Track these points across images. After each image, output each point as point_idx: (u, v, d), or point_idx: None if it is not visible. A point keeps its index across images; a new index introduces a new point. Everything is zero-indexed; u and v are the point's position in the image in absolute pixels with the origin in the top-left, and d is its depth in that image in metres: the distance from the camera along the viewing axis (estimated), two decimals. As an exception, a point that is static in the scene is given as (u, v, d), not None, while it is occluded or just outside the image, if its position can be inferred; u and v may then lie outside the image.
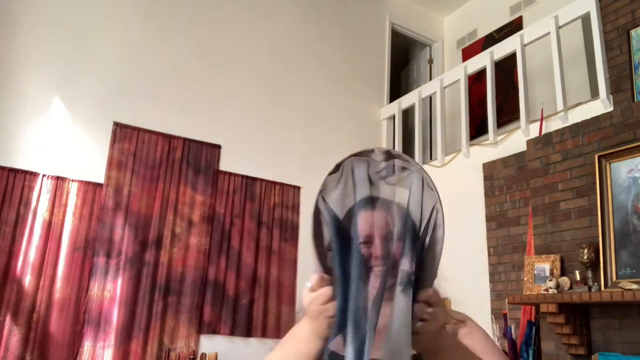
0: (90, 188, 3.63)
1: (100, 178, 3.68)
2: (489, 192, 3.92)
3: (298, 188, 4.48)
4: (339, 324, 0.81)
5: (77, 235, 3.51)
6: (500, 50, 4.19)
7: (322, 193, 0.87)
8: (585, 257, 2.92)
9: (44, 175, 3.49)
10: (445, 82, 4.68)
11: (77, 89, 3.77)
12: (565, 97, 3.57)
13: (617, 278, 2.84)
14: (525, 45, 3.98)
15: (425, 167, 4.67)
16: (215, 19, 4.51)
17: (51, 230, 3.43)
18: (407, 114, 5.45)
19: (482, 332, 0.98)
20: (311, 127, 4.78)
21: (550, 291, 3.00)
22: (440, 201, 0.83)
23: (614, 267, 2.87)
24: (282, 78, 4.75)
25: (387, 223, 0.88)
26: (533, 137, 3.63)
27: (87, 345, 3.37)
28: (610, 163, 3.04)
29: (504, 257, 3.70)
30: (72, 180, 3.58)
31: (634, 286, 2.66)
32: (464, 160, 4.27)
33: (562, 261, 3.17)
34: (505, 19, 5.25)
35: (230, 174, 4.20)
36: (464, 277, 3.57)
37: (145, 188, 3.80)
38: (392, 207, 0.88)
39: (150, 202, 3.80)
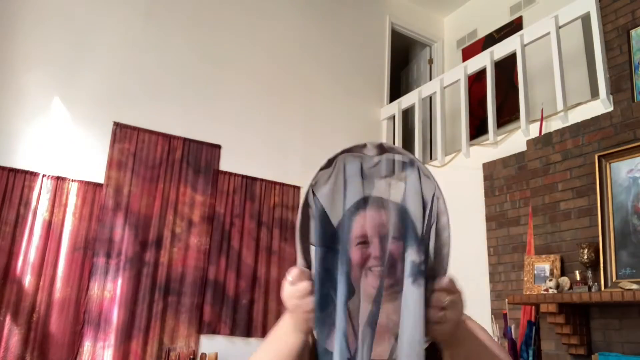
0: (90, 188, 3.63)
1: (100, 178, 3.68)
2: (489, 192, 3.92)
3: (298, 188, 4.48)
4: (319, 320, 0.81)
5: (77, 235, 3.51)
6: (500, 50, 4.19)
7: (313, 187, 0.87)
8: (585, 257, 2.92)
9: (44, 175, 3.49)
10: (445, 82, 4.68)
11: (77, 89, 3.77)
12: (565, 97, 3.57)
13: (617, 278, 2.84)
14: (525, 45, 3.98)
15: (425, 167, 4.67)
16: (216, 19, 4.51)
17: (51, 230, 3.43)
18: (407, 114, 5.45)
19: (484, 330, 0.98)
20: (311, 127, 4.78)
21: (550, 291, 3.00)
22: (439, 188, 0.82)
23: (614, 267, 2.87)
24: (282, 78, 4.75)
25: (383, 222, 0.88)
26: (533, 137, 3.63)
27: (87, 345, 3.37)
28: (610, 163, 3.04)
29: (504, 257, 3.70)
30: (72, 180, 3.58)
31: (634, 286, 2.66)
32: (464, 160, 4.27)
33: (562, 261, 3.17)
34: (505, 19, 5.25)
35: (230, 174, 4.20)
36: (464, 277, 3.55)
37: (145, 188, 3.80)
38: (388, 205, 0.88)
39: (150, 202, 3.80)
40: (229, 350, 3.81)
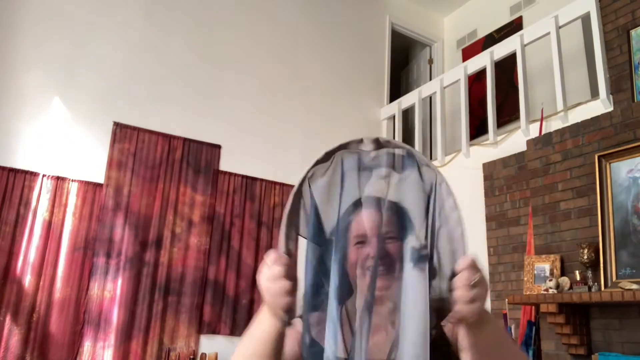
0: (90, 188, 3.63)
1: (100, 178, 3.68)
2: (489, 192, 3.92)
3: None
4: (304, 310, 0.81)
5: (77, 235, 3.51)
6: (500, 50, 4.19)
7: (309, 179, 0.87)
8: (585, 257, 2.92)
9: (44, 175, 3.49)
10: (445, 82, 4.68)
11: (77, 89, 3.77)
12: (565, 97, 3.57)
13: (617, 278, 2.84)
14: (525, 45, 3.98)
15: (425, 167, 4.67)
16: (216, 19, 4.51)
17: (51, 230, 3.43)
18: (407, 114, 5.45)
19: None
20: (311, 126, 4.78)
21: (550, 291, 3.00)
22: (440, 174, 0.82)
23: (614, 267, 2.87)
24: (282, 78, 4.75)
25: (380, 222, 0.88)
26: (533, 137, 3.63)
27: (87, 345, 3.37)
28: (610, 163, 3.04)
29: (504, 257, 3.70)
30: (72, 180, 3.58)
31: (634, 286, 2.66)
32: (464, 160, 4.27)
33: (562, 261, 3.17)
34: (505, 19, 5.25)
35: (230, 174, 4.20)
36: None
37: (145, 188, 3.80)
38: (385, 204, 0.88)
39: (150, 202, 3.80)
40: (229, 350, 3.81)
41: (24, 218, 3.37)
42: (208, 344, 3.78)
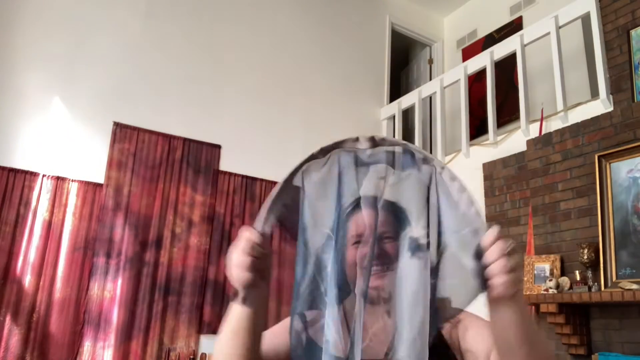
0: (90, 188, 3.63)
1: (100, 178, 3.68)
2: (489, 192, 3.92)
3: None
4: (299, 308, 0.82)
5: (77, 235, 3.51)
6: (500, 50, 4.19)
7: (303, 173, 0.87)
8: (585, 257, 2.92)
9: (44, 175, 3.49)
10: (445, 82, 4.68)
11: (77, 88, 3.77)
12: (565, 97, 3.57)
13: (617, 278, 2.84)
14: (525, 45, 3.98)
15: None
16: (216, 19, 4.51)
17: (51, 230, 3.43)
18: (407, 114, 5.45)
19: (482, 322, 0.92)
20: (311, 127, 4.78)
21: (550, 291, 3.00)
22: (440, 163, 0.81)
23: (614, 267, 2.87)
24: (282, 78, 4.75)
25: (377, 222, 0.88)
26: (533, 137, 3.63)
27: (87, 345, 3.37)
28: (610, 163, 3.04)
29: (504, 257, 3.69)
30: (72, 180, 3.58)
31: (634, 286, 2.66)
32: (464, 160, 4.27)
33: (562, 261, 3.17)
34: (505, 19, 5.25)
35: (230, 174, 4.20)
36: (464, 277, 3.56)
37: (145, 188, 3.80)
38: (382, 204, 0.88)
39: (150, 202, 3.80)
40: (229, 350, 3.81)
41: (24, 218, 3.37)
42: (208, 344, 3.78)
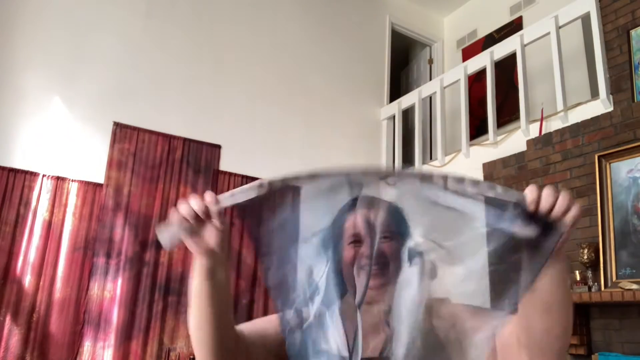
0: (90, 188, 3.63)
1: (100, 178, 3.68)
2: (489, 192, 3.91)
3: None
4: (285, 299, 0.85)
5: (77, 235, 3.51)
6: (500, 50, 4.19)
7: (296, 182, 0.87)
8: (585, 257, 2.92)
9: (44, 175, 3.49)
10: (445, 82, 4.68)
11: (77, 88, 3.77)
12: (565, 97, 3.57)
13: (617, 278, 2.84)
14: (525, 45, 3.98)
15: (425, 167, 4.67)
16: (216, 20, 4.51)
17: (51, 230, 3.43)
18: (407, 114, 5.45)
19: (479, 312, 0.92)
20: (311, 126, 4.78)
21: (550, 291, 3.00)
22: (439, 179, 0.77)
23: (614, 267, 2.87)
24: (282, 78, 4.75)
25: (375, 221, 0.88)
26: (533, 137, 3.63)
27: (87, 345, 3.37)
28: (610, 163, 3.04)
29: (504, 257, 3.69)
30: (72, 180, 3.58)
31: (634, 286, 2.66)
32: (464, 160, 4.27)
33: (562, 261, 3.16)
34: (505, 19, 5.25)
35: (230, 174, 4.20)
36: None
37: (145, 188, 3.80)
38: (380, 204, 0.88)
39: (150, 202, 3.80)
40: (229, 350, 3.80)
41: (24, 218, 3.37)
42: (208, 344, 3.77)
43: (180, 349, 3.65)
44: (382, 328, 0.87)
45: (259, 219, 0.85)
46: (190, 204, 0.82)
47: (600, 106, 3.31)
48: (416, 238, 0.83)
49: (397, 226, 0.89)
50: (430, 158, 5.02)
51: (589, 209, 3.09)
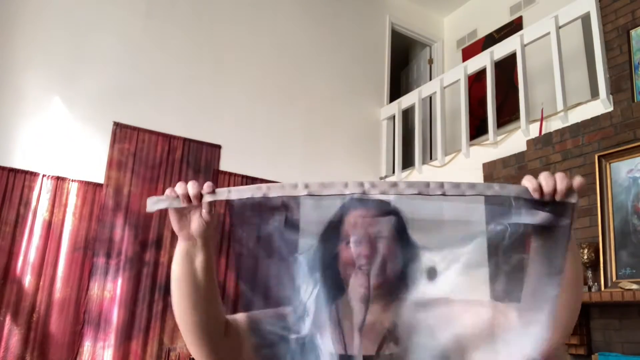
0: (90, 188, 3.63)
1: (100, 178, 3.68)
2: (489, 192, 3.91)
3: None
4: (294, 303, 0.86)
5: (77, 235, 3.51)
6: (500, 50, 4.19)
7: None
8: (585, 257, 2.92)
9: (44, 175, 3.49)
10: (445, 82, 4.68)
11: (77, 88, 3.77)
12: (565, 97, 3.57)
13: (617, 278, 2.84)
14: (525, 45, 3.98)
15: (425, 167, 4.67)
16: (216, 20, 4.51)
17: (51, 230, 3.43)
18: (407, 114, 5.45)
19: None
20: (311, 126, 4.78)
21: (550, 291, 3.00)
22: (436, 185, 0.79)
23: (614, 267, 2.87)
24: (283, 78, 4.75)
25: (373, 221, 0.89)
26: (533, 137, 3.63)
27: (87, 345, 3.37)
28: (610, 163, 3.04)
29: (504, 257, 3.69)
30: (72, 180, 3.58)
31: (634, 286, 2.66)
32: (464, 160, 4.26)
33: (562, 261, 3.16)
34: (505, 19, 5.25)
35: (230, 174, 4.20)
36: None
37: (145, 188, 3.80)
38: (378, 204, 0.89)
39: (150, 202, 3.80)
40: (229, 350, 3.81)
41: (24, 218, 3.37)
42: (208, 344, 3.78)
43: (180, 349, 3.65)
44: (378, 326, 0.88)
45: (247, 221, 0.86)
46: (187, 185, 0.85)
47: (600, 106, 3.31)
48: (425, 253, 0.85)
49: (394, 226, 0.89)
50: (430, 158, 5.02)
51: (589, 209, 3.08)
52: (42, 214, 3.43)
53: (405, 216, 0.89)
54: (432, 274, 0.84)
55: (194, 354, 0.92)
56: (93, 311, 3.43)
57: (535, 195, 0.75)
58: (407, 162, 5.11)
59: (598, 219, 2.98)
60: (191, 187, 0.84)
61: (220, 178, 4.15)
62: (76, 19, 3.88)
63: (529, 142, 3.61)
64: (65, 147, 3.64)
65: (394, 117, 5.18)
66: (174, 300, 0.93)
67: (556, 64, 3.64)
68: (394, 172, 4.97)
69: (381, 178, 5.05)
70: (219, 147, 4.22)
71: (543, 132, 3.59)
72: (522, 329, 0.79)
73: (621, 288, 2.70)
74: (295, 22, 4.98)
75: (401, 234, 0.89)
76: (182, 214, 0.87)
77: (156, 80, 4.10)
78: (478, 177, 4.01)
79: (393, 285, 0.88)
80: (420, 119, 4.89)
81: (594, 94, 3.62)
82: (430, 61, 6.02)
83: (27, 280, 3.29)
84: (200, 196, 0.84)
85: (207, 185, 0.85)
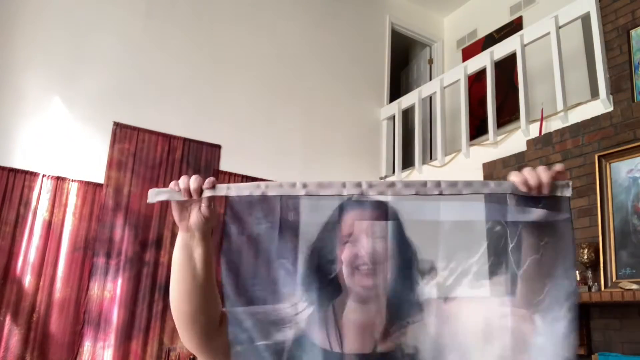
0: (90, 188, 3.63)
1: (100, 178, 3.68)
2: (489, 192, 3.91)
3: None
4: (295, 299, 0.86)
5: (77, 235, 3.51)
6: (500, 50, 4.19)
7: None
8: (585, 257, 2.92)
9: (44, 175, 3.49)
10: (445, 82, 4.68)
11: (77, 88, 3.77)
12: (565, 97, 3.57)
13: (617, 278, 2.84)
14: (525, 45, 3.98)
15: (425, 167, 4.67)
16: (216, 20, 4.51)
17: (51, 230, 3.43)
18: (407, 114, 5.45)
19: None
20: (311, 126, 4.78)
21: (550, 291, 3.00)
22: (433, 185, 0.80)
23: (614, 267, 2.87)
24: (283, 78, 4.75)
25: (371, 221, 0.89)
26: (533, 137, 3.63)
27: (87, 345, 3.37)
28: (610, 163, 3.04)
29: (504, 257, 3.69)
30: (72, 180, 3.58)
31: (634, 286, 2.66)
32: (464, 161, 4.26)
33: (562, 261, 3.16)
34: (505, 19, 5.25)
35: (230, 174, 4.20)
36: (464, 277, 3.56)
37: (145, 188, 3.80)
38: (376, 204, 0.89)
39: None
40: (229, 350, 3.80)
41: (24, 218, 3.37)
42: (208, 344, 3.78)
43: (180, 349, 3.65)
44: (374, 325, 0.88)
45: (244, 218, 0.87)
46: (189, 179, 0.87)
47: (600, 106, 3.31)
48: (423, 253, 0.85)
49: (391, 227, 0.89)
50: (430, 158, 5.02)
51: (589, 209, 3.08)
52: (42, 214, 3.43)
53: (402, 217, 0.89)
54: (430, 274, 0.84)
55: (186, 343, 0.94)
56: (93, 311, 3.43)
57: (523, 189, 0.76)
58: (407, 162, 5.11)
59: (598, 219, 2.98)
60: (193, 182, 0.87)
61: (220, 178, 4.15)
62: (76, 19, 3.88)
63: (529, 142, 3.61)
64: (65, 147, 3.64)
65: (394, 117, 5.18)
66: (171, 285, 0.96)
67: (556, 64, 3.64)
68: (394, 172, 4.97)
69: (381, 178, 5.05)
70: (219, 147, 4.22)
71: (543, 132, 3.59)
72: (548, 327, 0.78)
73: (621, 288, 2.70)
74: (295, 22, 4.98)
75: (398, 234, 0.89)
76: (184, 206, 0.90)
77: (156, 80, 4.10)
78: (478, 177, 4.01)
79: (390, 286, 0.88)
80: (420, 119, 4.89)
81: (594, 94, 3.62)
82: (430, 61, 6.02)
83: (27, 280, 3.29)
84: (200, 191, 0.86)
85: (207, 181, 0.87)
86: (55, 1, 3.83)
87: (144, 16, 4.17)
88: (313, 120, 4.81)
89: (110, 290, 3.52)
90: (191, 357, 3.66)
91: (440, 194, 0.78)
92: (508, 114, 4.71)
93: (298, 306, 0.88)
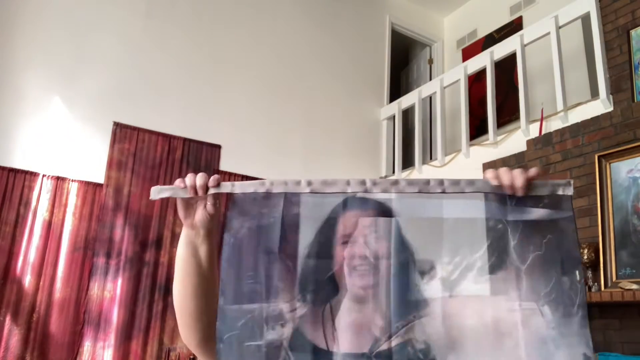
0: (90, 188, 3.63)
1: (100, 178, 3.68)
2: (489, 192, 3.91)
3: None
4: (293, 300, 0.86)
5: (77, 235, 3.51)
6: (500, 50, 4.19)
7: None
8: (585, 257, 2.92)
9: (44, 175, 3.49)
10: (445, 82, 4.68)
11: (77, 88, 3.77)
12: (565, 97, 3.57)
13: (617, 278, 2.84)
14: (525, 45, 3.98)
15: (425, 167, 4.67)
16: (216, 20, 4.51)
17: (51, 230, 3.43)
18: (407, 114, 5.45)
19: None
20: (311, 126, 4.78)
21: (550, 291, 3.00)
22: (433, 183, 0.81)
23: (614, 267, 2.87)
24: (283, 78, 4.75)
25: (369, 221, 0.89)
26: (533, 137, 3.63)
27: (87, 345, 3.37)
28: (610, 163, 3.04)
29: (504, 257, 3.69)
30: (72, 180, 3.58)
31: (634, 286, 2.66)
32: (464, 161, 4.27)
33: (562, 261, 3.16)
34: (505, 19, 5.25)
35: (230, 174, 4.20)
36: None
37: (145, 188, 3.80)
38: (374, 204, 0.89)
39: (150, 202, 3.80)
40: (229, 350, 3.80)
41: (24, 218, 3.37)
42: (208, 344, 3.78)
43: (180, 349, 3.65)
44: (372, 325, 0.88)
45: (246, 214, 0.88)
46: (195, 176, 0.89)
47: (600, 106, 3.31)
48: (423, 254, 0.86)
49: (391, 226, 0.89)
50: (430, 158, 5.02)
51: (589, 209, 3.09)
52: (42, 214, 3.43)
53: (402, 217, 0.89)
54: (430, 273, 0.84)
55: (187, 342, 0.94)
56: (93, 311, 3.43)
57: (494, 183, 0.79)
58: (407, 162, 5.11)
59: (598, 219, 2.98)
60: (199, 179, 0.88)
61: (220, 178, 4.15)
62: (76, 19, 3.88)
63: (529, 142, 3.61)
64: (65, 147, 3.64)
65: (394, 117, 5.18)
66: (175, 283, 0.94)
67: (556, 64, 3.64)
68: (394, 172, 4.97)
69: (381, 178, 5.05)
70: (219, 147, 4.22)
71: (543, 132, 3.59)
72: (560, 321, 0.79)
73: (621, 288, 2.70)
74: (295, 22, 4.98)
75: (396, 235, 0.89)
76: (189, 203, 0.91)
77: (156, 80, 4.10)
78: (478, 177, 4.01)
79: (388, 286, 0.88)
80: (420, 119, 4.89)
81: (594, 94, 3.62)
82: (430, 61, 6.02)
83: (27, 280, 3.29)
84: (206, 188, 0.88)
85: (213, 178, 0.88)
86: (55, 1, 3.83)
87: (144, 16, 4.17)
88: (313, 120, 4.81)
89: (110, 290, 3.52)
90: (191, 357, 3.66)
91: (443, 192, 0.79)
92: (508, 114, 4.71)
93: (295, 303, 0.88)
